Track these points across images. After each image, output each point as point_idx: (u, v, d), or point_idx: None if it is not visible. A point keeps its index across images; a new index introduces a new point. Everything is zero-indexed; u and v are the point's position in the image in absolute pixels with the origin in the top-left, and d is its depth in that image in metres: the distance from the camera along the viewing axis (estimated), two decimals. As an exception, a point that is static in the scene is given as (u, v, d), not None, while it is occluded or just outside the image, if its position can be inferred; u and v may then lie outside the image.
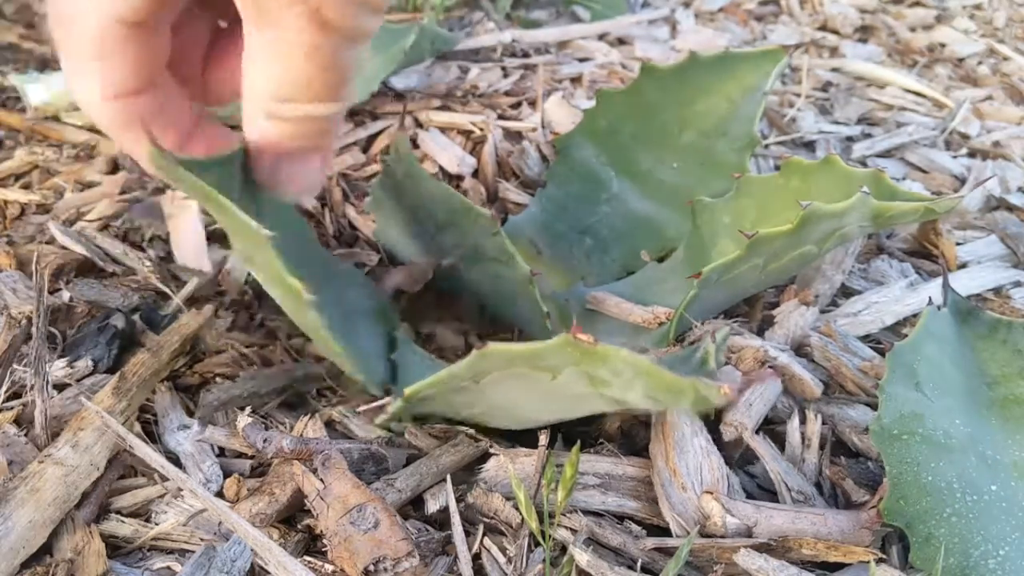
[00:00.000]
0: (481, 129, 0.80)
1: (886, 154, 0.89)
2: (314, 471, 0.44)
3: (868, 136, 0.92)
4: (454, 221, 0.59)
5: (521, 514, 0.43)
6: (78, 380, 0.52)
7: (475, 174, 0.78)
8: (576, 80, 0.99)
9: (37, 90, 0.79)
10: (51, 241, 0.63)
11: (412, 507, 0.46)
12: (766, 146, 0.87)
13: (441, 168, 0.77)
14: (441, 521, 0.46)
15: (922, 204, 0.50)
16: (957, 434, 0.46)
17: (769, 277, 0.56)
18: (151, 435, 0.49)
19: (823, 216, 0.48)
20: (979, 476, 0.45)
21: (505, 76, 0.99)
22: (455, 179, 0.79)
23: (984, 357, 0.53)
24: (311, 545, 0.44)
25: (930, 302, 0.54)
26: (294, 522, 0.45)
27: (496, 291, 0.64)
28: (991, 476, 0.45)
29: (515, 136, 0.84)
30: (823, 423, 0.52)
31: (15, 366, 0.51)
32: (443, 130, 0.82)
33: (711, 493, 0.44)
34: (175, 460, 0.48)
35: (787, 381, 0.54)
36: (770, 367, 0.54)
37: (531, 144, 0.81)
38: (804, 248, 0.51)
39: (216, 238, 0.69)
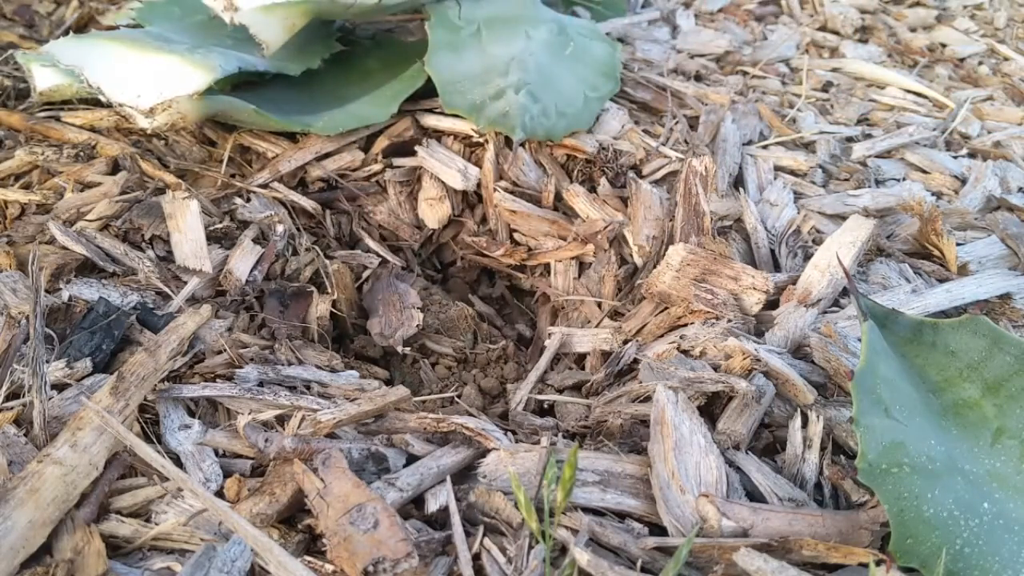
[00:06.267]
0: (481, 135, 0.79)
1: (886, 154, 0.88)
2: (315, 470, 0.44)
3: (868, 136, 0.92)
4: None
5: (521, 514, 0.43)
6: (77, 380, 0.52)
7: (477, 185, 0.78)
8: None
9: (45, 73, 0.76)
10: (51, 241, 0.63)
11: (413, 506, 0.46)
12: (765, 147, 0.87)
13: (447, 187, 0.77)
14: (442, 521, 0.46)
15: None
16: (937, 456, 0.44)
17: None
18: (152, 435, 0.49)
19: None
20: (971, 496, 0.43)
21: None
22: (460, 194, 0.79)
23: (920, 363, 0.50)
24: (311, 545, 0.44)
25: (863, 315, 0.50)
26: (294, 522, 0.45)
27: None
28: (979, 493, 0.43)
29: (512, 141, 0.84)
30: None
31: (15, 366, 0.51)
32: (441, 137, 0.81)
33: (707, 496, 0.44)
34: (176, 460, 0.48)
35: (780, 386, 0.54)
36: (762, 372, 0.54)
37: (527, 151, 0.81)
38: None
39: (216, 238, 0.69)
